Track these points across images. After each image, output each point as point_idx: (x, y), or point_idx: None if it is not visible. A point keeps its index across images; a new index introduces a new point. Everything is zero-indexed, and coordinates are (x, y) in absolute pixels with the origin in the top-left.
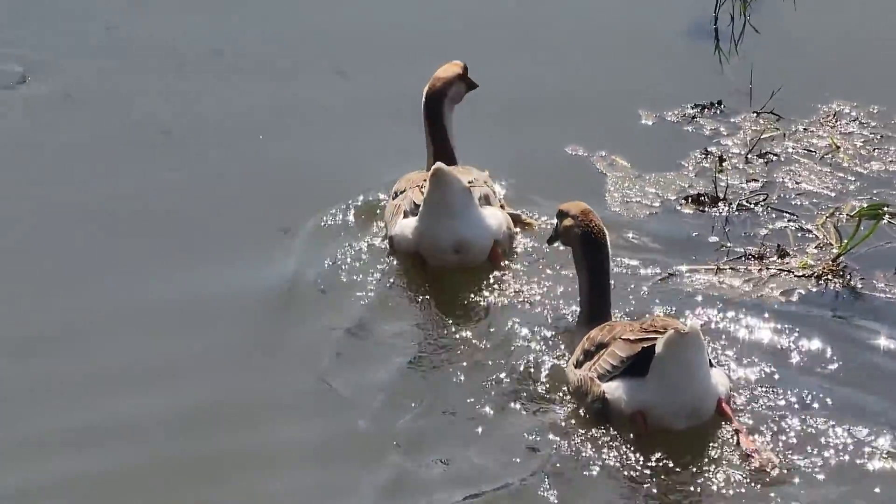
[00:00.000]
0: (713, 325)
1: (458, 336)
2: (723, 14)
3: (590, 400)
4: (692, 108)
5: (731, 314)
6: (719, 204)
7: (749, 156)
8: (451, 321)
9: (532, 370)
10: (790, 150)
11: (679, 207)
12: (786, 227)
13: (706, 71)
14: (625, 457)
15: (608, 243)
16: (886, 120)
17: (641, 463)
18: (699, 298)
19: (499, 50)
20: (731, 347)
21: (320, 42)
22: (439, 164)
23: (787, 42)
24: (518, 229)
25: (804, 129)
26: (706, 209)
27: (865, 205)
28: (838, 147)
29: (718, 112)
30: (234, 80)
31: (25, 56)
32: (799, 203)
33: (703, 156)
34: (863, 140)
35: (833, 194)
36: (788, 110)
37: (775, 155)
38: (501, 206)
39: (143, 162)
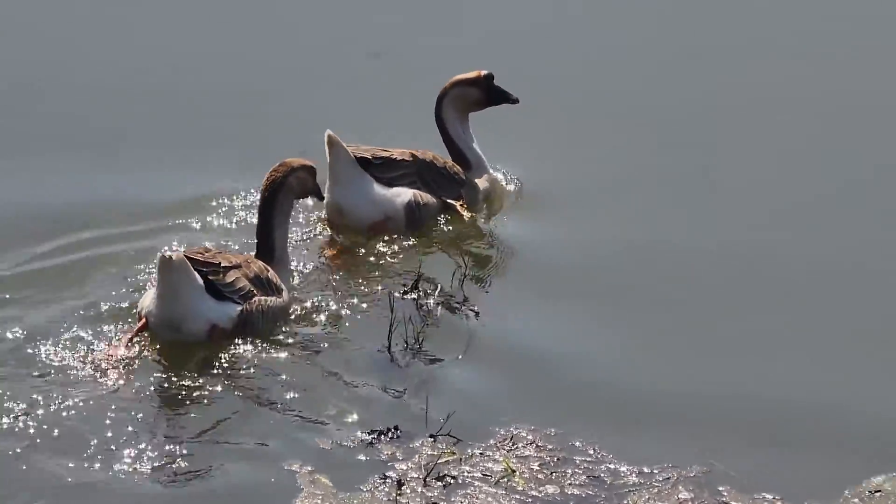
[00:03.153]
0: None
1: None
2: (397, 339)
3: None
4: (368, 433)
5: None
6: None
7: (427, 480)
8: None
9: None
10: (466, 473)
11: None
12: None
13: (382, 396)
14: None
15: (267, 197)
16: (563, 443)
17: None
18: None
19: None
20: None
21: None
22: (329, 131)
23: (464, 365)
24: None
25: (481, 452)
26: None
27: None
28: (514, 471)
29: (395, 437)
30: None
31: None
32: None
33: (382, 481)
34: (539, 463)
35: None
36: (466, 433)
37: (452, 478)
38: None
39: None
